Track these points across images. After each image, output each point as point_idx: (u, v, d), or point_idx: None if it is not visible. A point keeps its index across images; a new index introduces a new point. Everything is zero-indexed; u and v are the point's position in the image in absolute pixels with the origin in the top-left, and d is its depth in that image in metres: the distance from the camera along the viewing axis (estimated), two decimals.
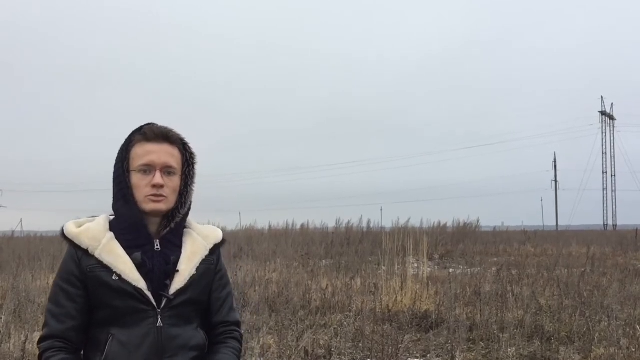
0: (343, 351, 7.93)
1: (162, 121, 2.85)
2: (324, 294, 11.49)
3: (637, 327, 8.39)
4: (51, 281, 11.70)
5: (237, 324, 2.93)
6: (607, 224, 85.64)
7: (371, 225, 33.58)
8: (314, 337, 8.27)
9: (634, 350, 7.46)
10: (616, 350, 7.51)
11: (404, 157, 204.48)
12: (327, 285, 12.33)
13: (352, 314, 10.18)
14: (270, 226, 34.44)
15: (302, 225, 34.15)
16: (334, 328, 9.17)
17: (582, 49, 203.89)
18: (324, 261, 19.85)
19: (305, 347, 7.53)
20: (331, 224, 33.75)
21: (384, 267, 13.81)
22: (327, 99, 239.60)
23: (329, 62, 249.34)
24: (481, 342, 8.57)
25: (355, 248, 24.85)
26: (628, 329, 8.36)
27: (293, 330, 8.43)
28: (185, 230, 2.83)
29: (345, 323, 9.51)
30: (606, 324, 8.59)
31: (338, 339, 8.37)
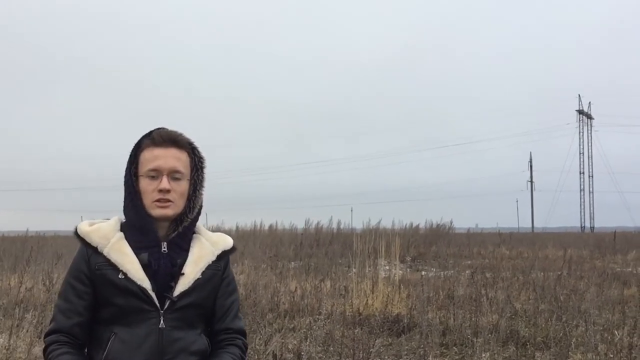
0: (312, 355, 7.70)
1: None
2: (293, 297, 11.27)
3: (615, 332, 8.21)
4: (12, 282, 11.36)
5: (241, 331, 2.98)
6: (584, 226, 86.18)
7: (341, 227, 33.46)
8: (283, 341, 8.08)
9: (611, 356, 7.29)
10: (593, 356, 7.37)
11: (373, 157, 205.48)
12: (296, 287, 12.09)
13: (321, 317, 9.96)
14: (237, 227, 34.35)
15: (271, 226, 34.04)
16: (303, 332, 8.97)
17: (560, 49, 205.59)
18: (292, 263, 19.61)
19: (273, 352, 7.37)
20: (300, 225, 33.64)
21: (354, 270, 13.62)
22: (295, 99, 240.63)
23: (295, 62, 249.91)
24: (454, 347, 8.43)
25: (325, 250, 24.64)
26: (606, 335, 8.19)
27: (261, 334, 8.18)
28: (194, 235, 2.88)
29: (314, 326, 9.29)
30: (583, 329, 8.41)
31: (307, 343, 8.15)
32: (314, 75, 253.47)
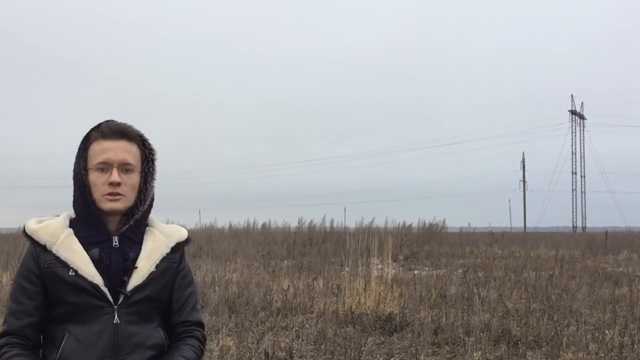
0: (304, 354, 7.69)
1: (114, 118, 2.75)
2: (286, 295, 11.26)
3: (606, 331, 8.26)
4: (5, 279, 11.33)
5: (199, 324, 2.91)
6: (576, 226, 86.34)
7: (334, 225, 33.44)
8: (275, 339, 8.07)
9: (602, 355, 7.32)
10: (584, 356, 7.37)
11: (367, 156, 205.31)
12: (289, 286, 12.10)
13: (314, 315, 9.99)
14: (230, 225, 34.37)
15: (264, 225, 34.02)
16: (296, 330, 8.96)
17: (552, 49, 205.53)
18: (285, 261, 19.60)
19: (265, 350, 7.34)
20: (293, 224, 33.62)
21: (347, 268, 13.62)
22: (289, 98, 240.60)
23: (289, 61, 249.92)
24: (446, 346, 8.41)
25: (317, 248, 24.61)
26: (597, 334, 8.21)
27: (253, 332, 8.21)
28: (147, 228, 2.82)
29: (307, 325, 9.31)
30: (574, 328, 8.45)
31: (299, 341, 8.14)
32: (308, 74, 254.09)
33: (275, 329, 8.96)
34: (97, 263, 2.61)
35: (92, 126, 2.75)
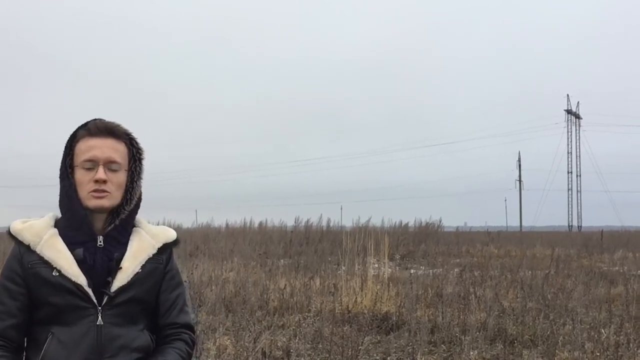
0: (301, 353, 7.75)
1: (112, 118, 2.73)
2: (282, 294, 11.29)
3: (602, 330, 8.30)
4: None
5: (187, 326, 2.85)
6: (572, 225, 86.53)
7: (331, 225, 33.51)
8: (272, 338, 8.10)
9: (598, 354, 7.36)
10: (580, 354, 7.41)
11: (363, 155, 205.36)
12: (286, 285, 12.13)
13: (311, 314, 10.02)
14: (227, 224, 34.34)
15: (260, 224, 34.02)
16: (292, 329, 8.99)
17: (549, 50, 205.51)
18: (282, 260, 19.62)
19: (262, 349, 7.40)
20: (290, 223, 33.69)
21: (343, 267, 13.65)
22: (286, 97, 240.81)
23: (284, 60, 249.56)
24: (443, 345, 8.43)
25: (314, 247, 24.64)
26: (593, 333, 8.25)
27: (250, 331, 8.21)
28: (134, 229, 2.77)
29: (303, 324, 9.34)
30: (570, 327, 8.47)
31: (296, 341, 8.20)
32: (303, 74, 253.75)
33: (272, 328, 9.00)
34: (81, 263, 2.57)
35: (79, 124, 2.71)
